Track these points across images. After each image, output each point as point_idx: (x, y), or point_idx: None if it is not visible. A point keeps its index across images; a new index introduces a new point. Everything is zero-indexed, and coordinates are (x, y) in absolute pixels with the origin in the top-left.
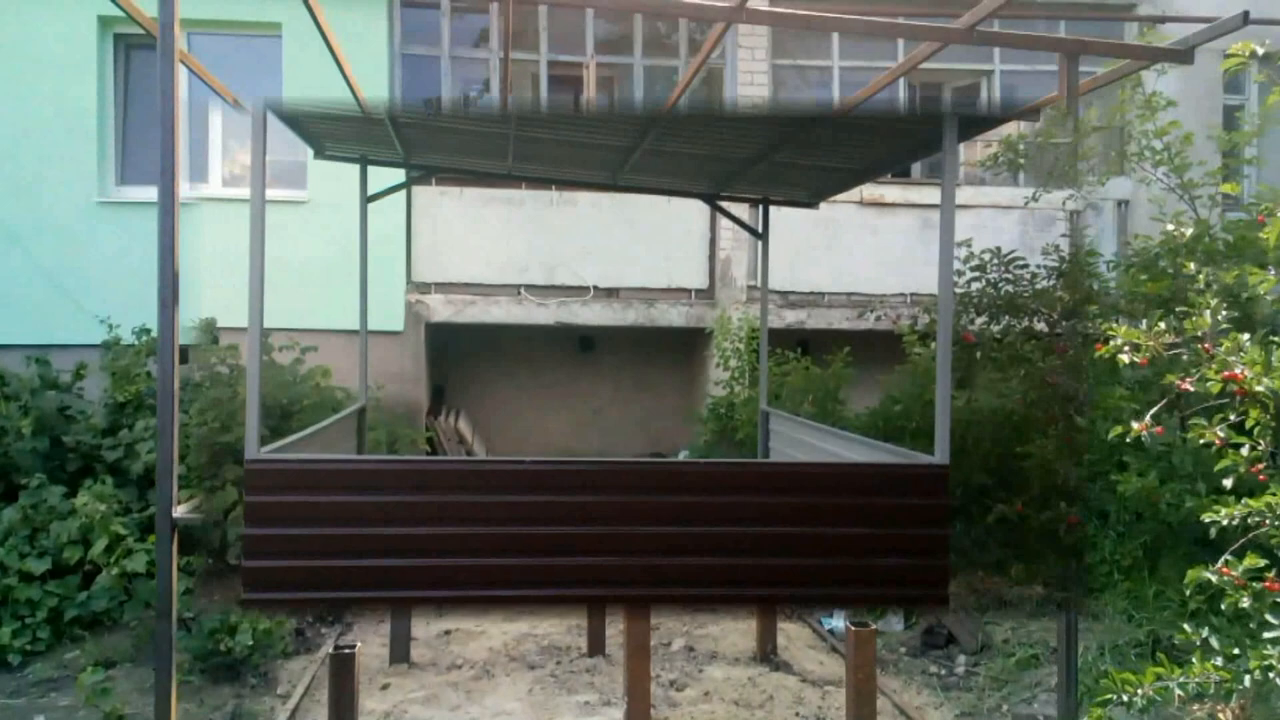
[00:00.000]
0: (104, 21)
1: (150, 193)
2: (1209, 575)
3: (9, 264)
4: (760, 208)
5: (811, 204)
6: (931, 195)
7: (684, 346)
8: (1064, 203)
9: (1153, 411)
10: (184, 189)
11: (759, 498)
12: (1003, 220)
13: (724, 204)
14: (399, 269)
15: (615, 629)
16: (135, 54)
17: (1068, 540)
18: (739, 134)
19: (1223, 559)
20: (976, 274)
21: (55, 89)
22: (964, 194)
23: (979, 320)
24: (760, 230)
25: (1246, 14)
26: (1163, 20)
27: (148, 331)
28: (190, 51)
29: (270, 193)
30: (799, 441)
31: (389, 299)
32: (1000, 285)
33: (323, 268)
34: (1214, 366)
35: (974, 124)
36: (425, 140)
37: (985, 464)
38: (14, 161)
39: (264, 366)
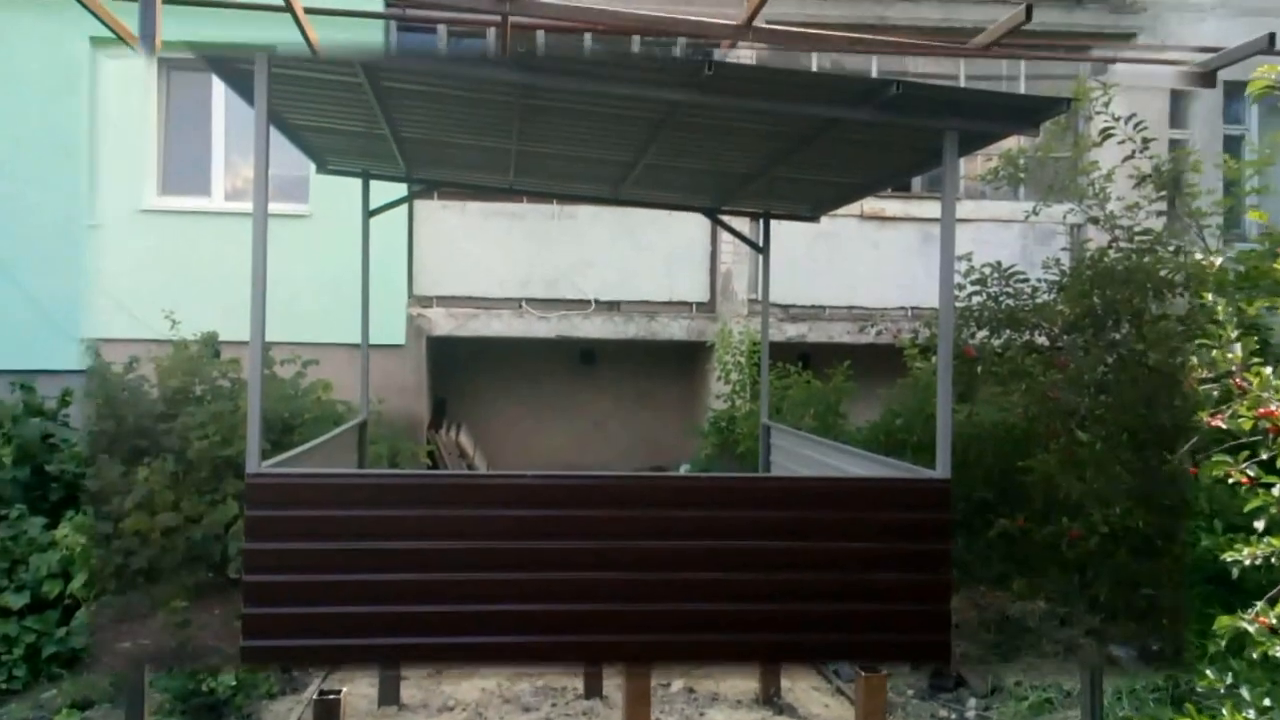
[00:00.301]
0: (95, 42)
1: (186, 202)
2: (1244, 625)
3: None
4: (761, 221)
5: (812, 217)
6: (932, 209)
7: (685, 360)
8: (1064, 216)
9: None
10: (185, 202)
11: (758, 512)
12: (1003, 234)
13: (725, 218)
14: (400, 282)
15: (613, 668)
16: (176, 75)
17: (1070, 555)
18: (742, 145)
19: (1257, 607)
20: (977, 288)
21: (44, 111)
22: (964, 208)
23: (980, 334)
24: (761, 244)
25: (1273, 36)
26: (1163, 49)
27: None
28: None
29: (272, 207)
30: (800, 456)
31: (390, 312)
32: (1001, 299)
33: (324, 281)
34: (1246, 403)
35: (975, 138)
36: (427, 154)
37: (988, 478)
38: (57, 175)
39: (265, 380)
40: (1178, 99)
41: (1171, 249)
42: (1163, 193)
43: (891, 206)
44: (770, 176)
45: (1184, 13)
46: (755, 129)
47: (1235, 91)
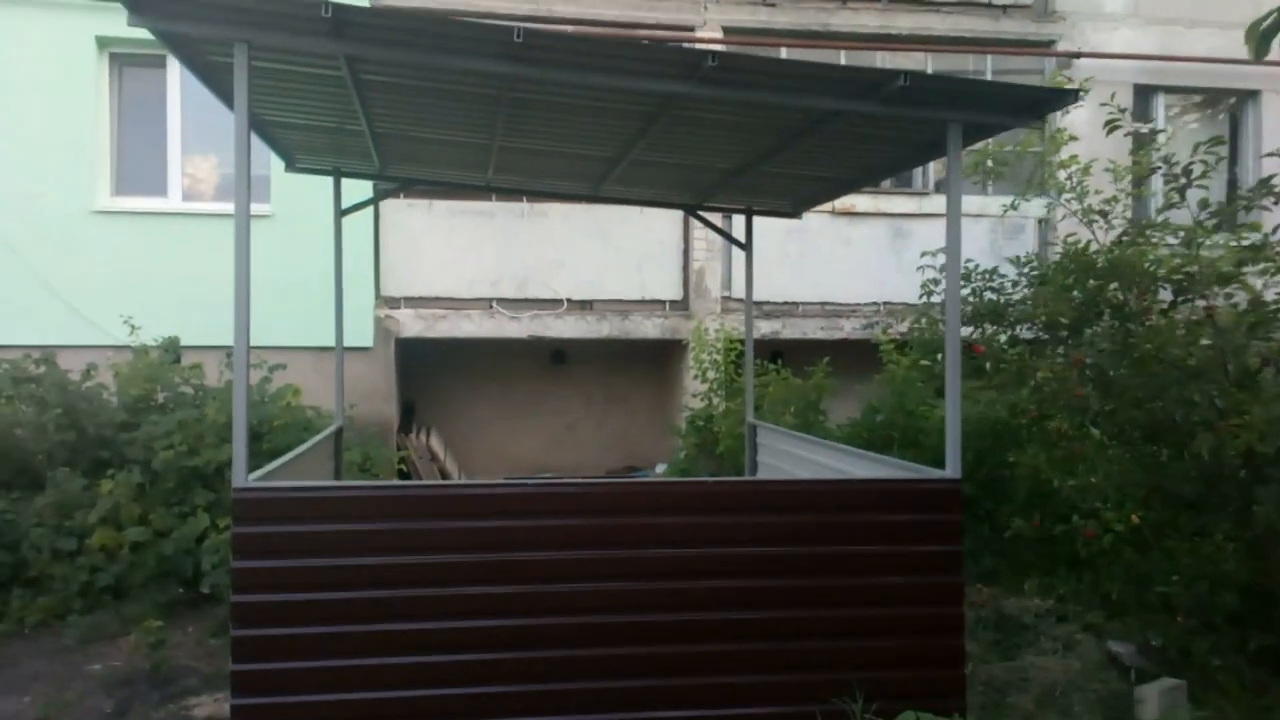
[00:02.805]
0: (100, 41)
1: (142, 203)
2: None
3: (9, 269)
4: (744, 218)
5: (794, 214)
6: (902, 204)
7: (657, 359)
8: (1049, 209)
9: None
10: (141, 203)
11: (763, 517)
12: (974, 229)
13: (706, 215)
14: (367, 284)
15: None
16: (129, 71)
17: (1084, 554)
18: (734, 140)
19: None
20: (961, 283)
21: (53, 104)
22: (933, 203)
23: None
24: (745, 241)
25: None
26: (1078, 56)
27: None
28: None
29: (233, 207)
30: (789, 455)
31: (358, 314)
32: (983, 294)
33: (288, 283)
34: None
35: (978, 130)
36: (403, 150)
37: (970, 473)
38: (13, 173)
39: (231, 386)
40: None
41: (1178, 240)
42: (1180, 182)
43: (862, 202)
44: (757, 172)
45: (1099, 21)
46: (751, 123)
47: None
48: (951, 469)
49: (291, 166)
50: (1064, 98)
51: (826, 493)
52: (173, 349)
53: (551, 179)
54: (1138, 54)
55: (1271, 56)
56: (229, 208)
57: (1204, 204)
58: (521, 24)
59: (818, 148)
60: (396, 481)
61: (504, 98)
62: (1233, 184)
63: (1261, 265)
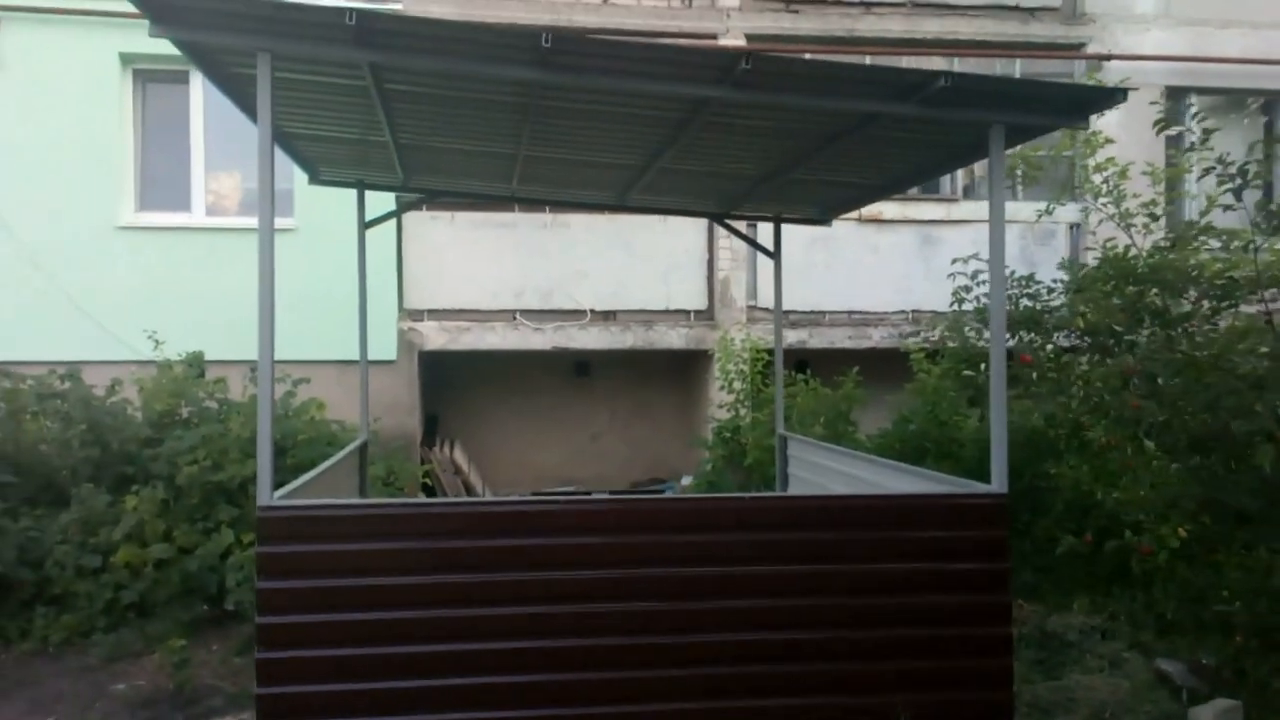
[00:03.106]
0: (124, 58)
1: (165, 218)
2: None
3: (34, 284)
4: (772, 226)
5: (824, 220)
6: (930, 211)
7: (681, 369)
8: (1038, 216)
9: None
10: (165, 218)
11: (801, 533)
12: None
13: (734, 223)
14: (390, 297)
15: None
16: (151, 88)
17: (1139, 570)
18: (765, 145)
19: None
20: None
21: (78, 120)
22: (963, 209)
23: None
24: (773, 249)
25: None
26: (1109, 58)
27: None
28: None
29: (256, 222)
30: (822, 467)
31: (381, 328)
32: (1019, 301)
33: (312, 297)
34: None
35: (1022, 131)
36: (427, 161)
37: (1009, 487)
38: (39, 189)
39: (254, 401)
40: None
41: (1220, 244)
42: (1235, 184)
43: (889, 209)
44: (787, 179)
45: (1129, 24)
46: (783, 127)
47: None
48: (998, 483)
49: (315, 179)
50: (1111, 97)
51: (867, 508)
52: (197, 364)
53: (577, 188)
54: (1169, 55)
55: None
56: (252, 222)
57: (1261, 205)
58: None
59: (851, 152)
60: (424, 499)
61: (531, 105)
62: (1269, 187)
63: None
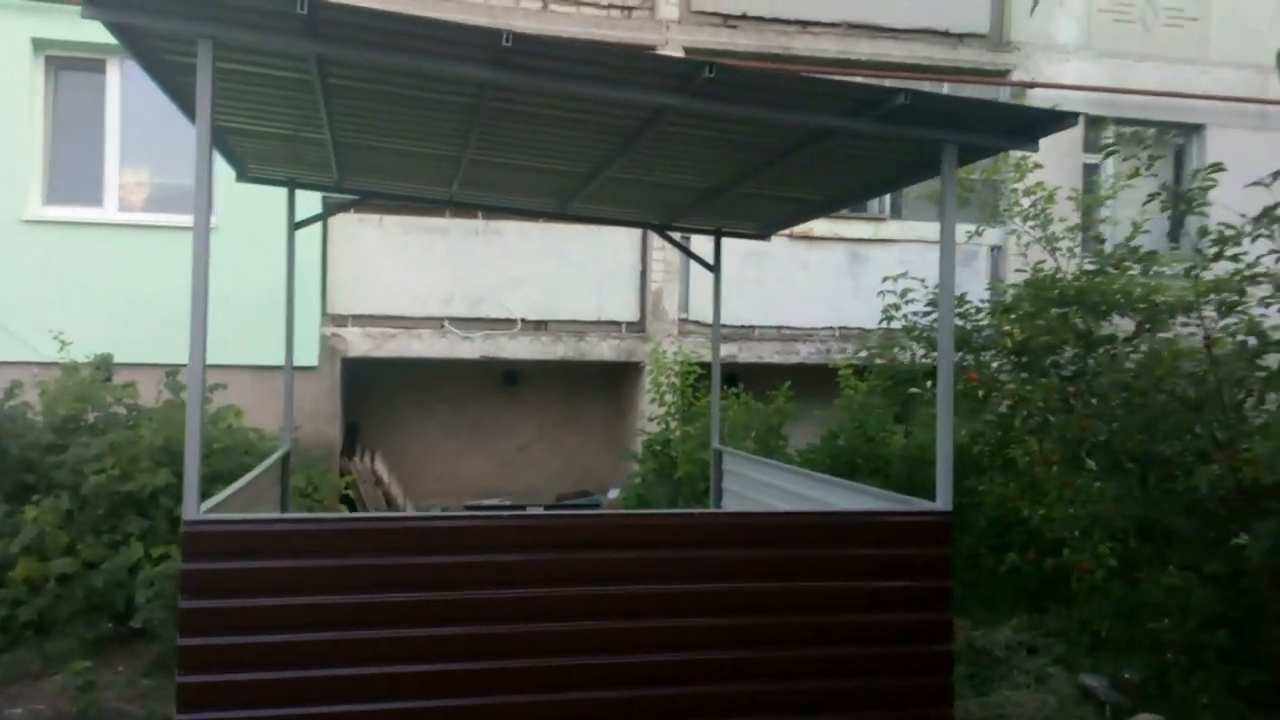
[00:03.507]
0: (37, 44)
1: (75, 213)
2: None
3: None
4: (713, 240)
5: (763, 236)
6: (859, 229)
7: (612, 381)
8: (968, 237)
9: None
10: (74, 212)
11: (743, 551)
12: (928, 254)
13: (675, 236)
14: (313, 301)
15: None
16: (65, 76)
17: (1077, 588)
18: (717, 158)
19: None
20: (930, 309)
21: None
22: (890, 228)
23: (933, 354)
24: (714, 263)
25: None
26: (1032, 86)
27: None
28: (125, 79)
29: (173, 219)
30: (759, 483)
31: (303, 332)
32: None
33: (228, 299)
34: None
35: (973, 151)
36: (365, 161)
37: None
38: None
39: (168, 407)
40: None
41: (1177, 270)
42: (1176, 209)
43: (820, 226)
44: (733, 192)
45: (1052, 53)
46: (736, 140)
47: (1091, 124)
48: (942, 500)
49: (243, 177)
50: (1061, 120)
51: (814, 525)
52: (105, 366)
53: (519, 194)
54: (1089, 86)
55: (1213, 90)
56: (169, 219)
57: (1203, 232)
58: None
59: (800, 167)
60: (364, 514)
61: (482, 107)
62: (1178, 216)
63: (1223, 295)
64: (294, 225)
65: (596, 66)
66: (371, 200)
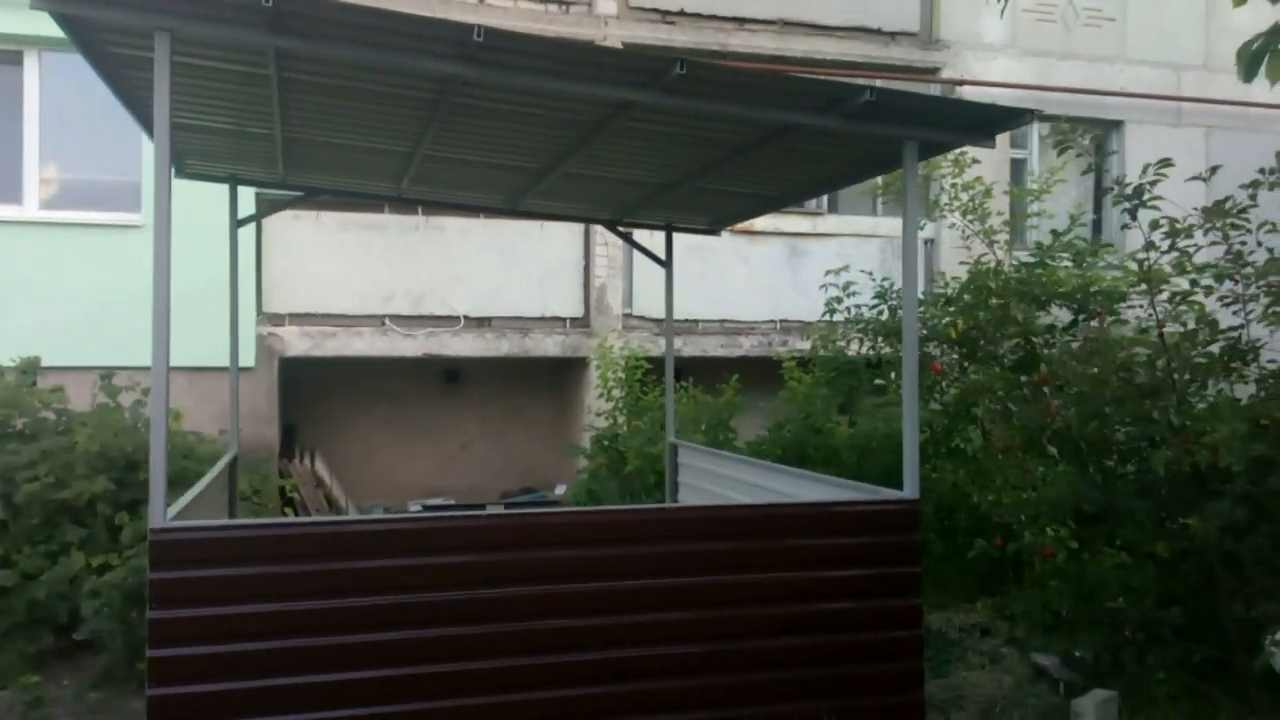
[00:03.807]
0: None
1: None
2: None
3: None
4: (664, 235)
5: (713, 231)
6: (798, 224)
7: (555, 377)
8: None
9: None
10: None
11: (714, 544)
12: (865, 248)
13: (626, 231)
14: (248, 300)
15: None
16: None
17: (1042, 570)
18: (677, 153)
19: None
20: (876, 301)
21: None
22: (827, 223)
23: (883, 347)
24: (665, 258)
25: None
26: (961, 83)
27: None
28: (44, 71)
29: (101, 216)
30: (717, 475)
31: (238, 332)
32: (897, 311)
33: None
34: None
35: (932, 148)
36: (313, 157)
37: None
38: None
39: (103, 411)
40: None
41: (1123, 260)
42: (1130, 203)
43: (761, 221)
44: (687, 188)
45: (979, 51)
46: (696, 135)
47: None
48: (910, 489)
49: (182, 173)
50: (1018, 117)
51: (782, 516)
52: (31, 370)
53: (470, 191)
54: (1015, 83)
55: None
56: (94, 217)
57: (1155, 225)
58: None
59: (756, 163)
60: (348, 518)
61: (444, 102)
62: (1099, 209)
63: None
64: (237, 223)
65: (568, 63)
66: (317, 197)
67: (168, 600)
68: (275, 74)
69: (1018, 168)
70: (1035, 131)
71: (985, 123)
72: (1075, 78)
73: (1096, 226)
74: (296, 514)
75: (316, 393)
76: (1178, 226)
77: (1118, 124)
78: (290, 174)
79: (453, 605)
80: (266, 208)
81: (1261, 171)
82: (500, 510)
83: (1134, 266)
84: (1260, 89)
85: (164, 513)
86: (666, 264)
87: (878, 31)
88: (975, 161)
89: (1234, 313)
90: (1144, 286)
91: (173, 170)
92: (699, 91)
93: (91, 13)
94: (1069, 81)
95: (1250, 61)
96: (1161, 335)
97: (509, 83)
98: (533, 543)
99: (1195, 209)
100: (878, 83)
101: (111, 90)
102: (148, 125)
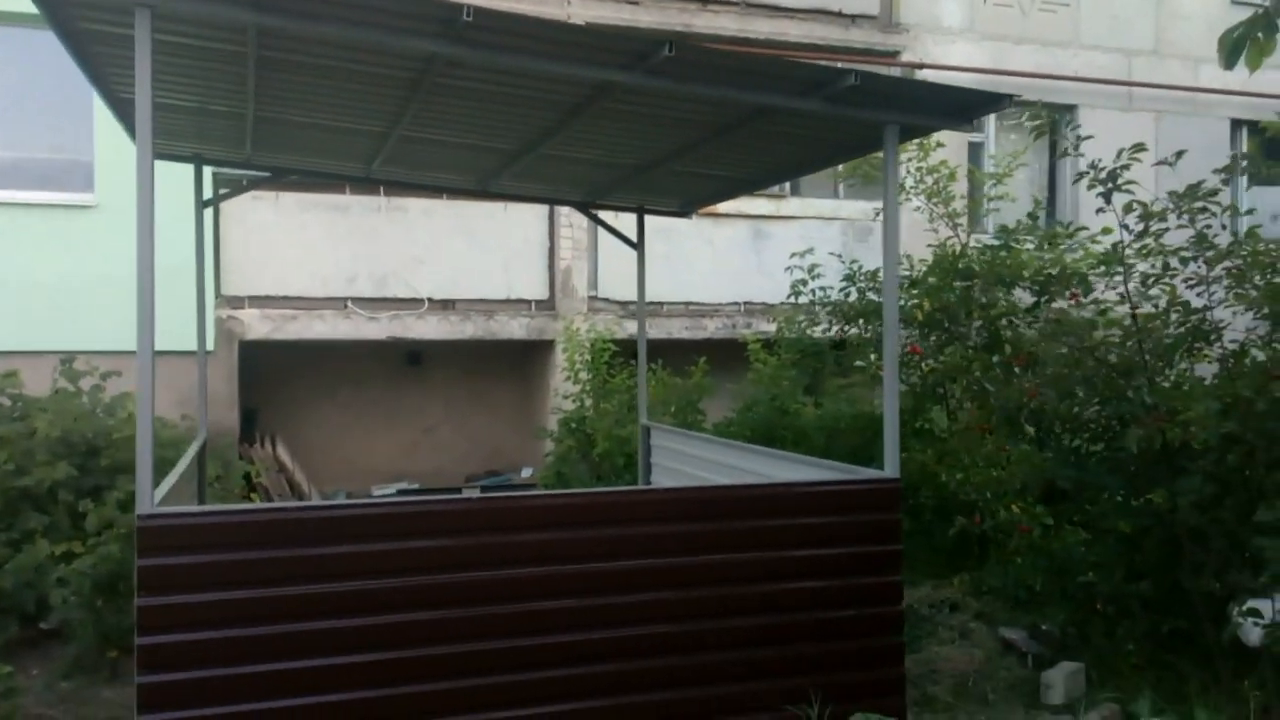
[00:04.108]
0: None
1: None
2: None
3: None
4: (635, 217)
5: (684, 213)
6: (762, 206)
7: (519, 360)
8: (875, 214)
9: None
10: None
11: (698, 525)
12: (827, 230)
13: (598, 213)
14: (207, 282)
15: None
16: None
17: (1016, 546)
18: (655, 135)
19: None
20: (844, 284)
21: None
22: (790, 205)
23: (849, 329)
24: (637, 240)
25: None
26: (921, 67)
27: None
28: None
29: (53, 197)
30: (690, 457)
31: (195, 315)
32: (866, 294)
33: (116, 281)
34: None
35: (912, 131)
36: (282, 137)
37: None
38: None
39: (63, 397)
40: None
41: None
42: (1105, 187)
43: (725, 204)
44: (661, 169)
45: (938, 35)
46: (676, 117)
47: None
48: (890, 468)
49: None
50: (996, 102)
51: (766, 497)
52: None
53: (441, 172)
54: (973, 67)
55: (1084, 73)
56: (40, 197)
57: (1129, 208)
58: None
59: (733, 145)
60: (340, 501)
61: (425, 82)
62: (1053, 190)
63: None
64: (202, 204)
65: (555, 43)
66: (285, 178)
67: (156, 587)
68: (254, 52)
69: (975, 150)
70: (993, 116)
71: (965, 107)
72: (1031, 62)
73: (1049, 207)
74: (262, 499)
75: (276, 376)
76: (1151, 210)
77: (1071, 108)
78: (257, 154)
79: (446, 588)
80: (236, 187)
81: (1232, 158)
82: (482, 494)
83: (1096, 249)
84: (1207, 74)
85: (151, 499)
86: (638, 246)
87: (839, 14)
88: (940, 145)
89: (1198, 294)
90: (1103, 268)
91: (98, 150)
92: (684, 74)
93: None
94: (1025, 66)
95: (1231, 49)
96: (1134, 316)
97: (495, 63)
98: (527, 525)
99: (1166, 194)
100: (839, 65)
101: (80, 67)
102: (113, 102)
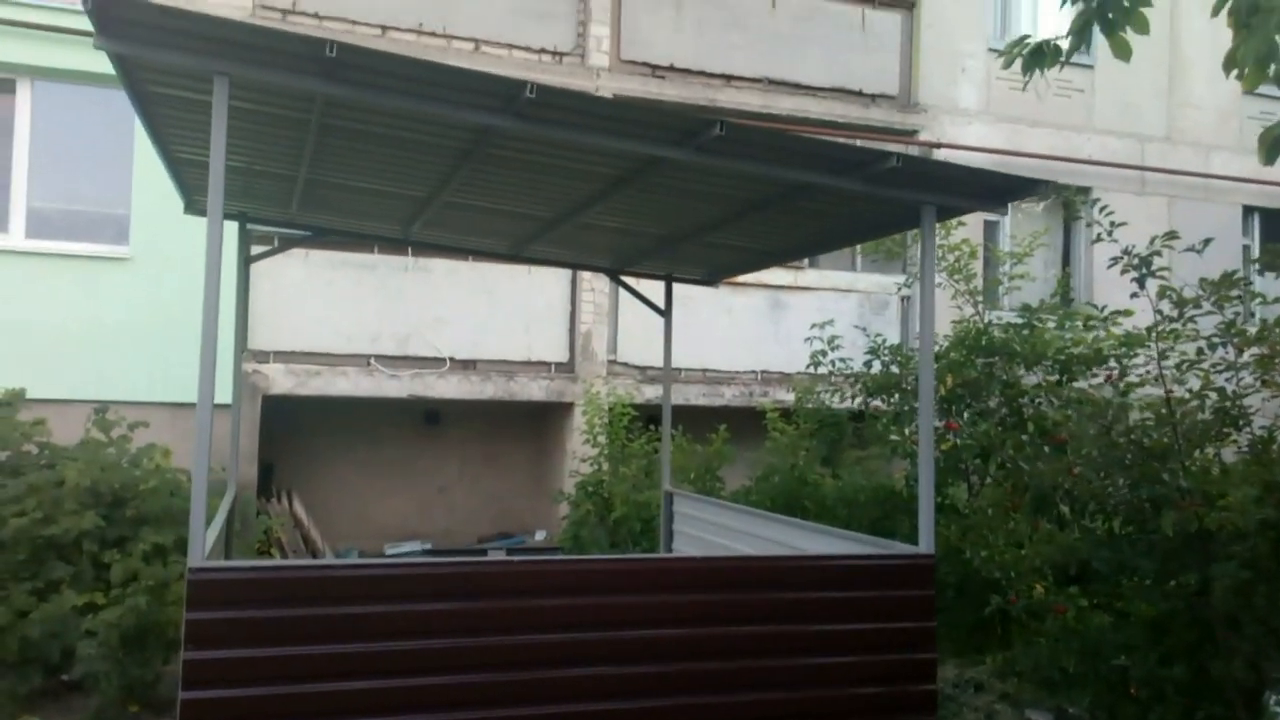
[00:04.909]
0: None
1: None
2: None
3: None
4: (664, 285)
5: (710, 282)
6: (780, 276)
7: (535, 422)
8: (897, 289)
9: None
10: None
11: (739, 594)
12: (844, 303)
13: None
14: (231, 335)
15: None
16: None
17: (1052, 629)
18: (692, 209)
19: None
20: (870, 356)
21: None
22: (807, 277)
23: (873, 401)
24: (665, 307)
25: None
26: (938, 146)
27: None
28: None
29: (87, 248)
30: (714, 525)
31: (221, 368)
32: (889, 367)
33: (146, 332)
34: None
35: (948, 212)
36: (327, 199)
37: None
38: None
39: (93, 446)
40: None
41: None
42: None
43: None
44: (695, 241)
45: (955, 116)
46: (717, 192)
47: None
48: (925, 544)
49: (191, 209)
50: (1033, 187)
51: (797, 569)
52: (15, 403)
53: (478, 236)
54: (989, 148)
55: (1097, 156)
56: (80, 248)
57: (1162, 292)
58: None
59: (766, 219)
60: (386, 559)
61: (476, 152)
62: (1066, 275)
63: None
64: (248, 260)
65: (611, 119)
66: (327, 239)
67: (204, 641)
68: (317, 120)
69: (990, 228)
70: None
71: (1001, 191)
72: (1045, 144)
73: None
74: (279, 555)
75: (294, 432)
76: (1184, 298)
77: (1085, 190)
78: (301, 213)
79: (496, 650)
80: (283, 244)
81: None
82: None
83: (1116, 330)
84: (1219, 161)
85: (203, 552)
86: (666, 314)
87: (859, 93)
88: (961, 224)
89: (1225, 379)
90: (1125, 349)
91: (183, 206)
92: (731, 151)
93: (153, 55)
94: (1040, 148)
95: (1271, 146)
96: (1169, 399)
97: (549, 136)
98: (584, 589)
99: (1199, 280)
100: (859, 142)
101: (145, 127)
102: (170, 160)
